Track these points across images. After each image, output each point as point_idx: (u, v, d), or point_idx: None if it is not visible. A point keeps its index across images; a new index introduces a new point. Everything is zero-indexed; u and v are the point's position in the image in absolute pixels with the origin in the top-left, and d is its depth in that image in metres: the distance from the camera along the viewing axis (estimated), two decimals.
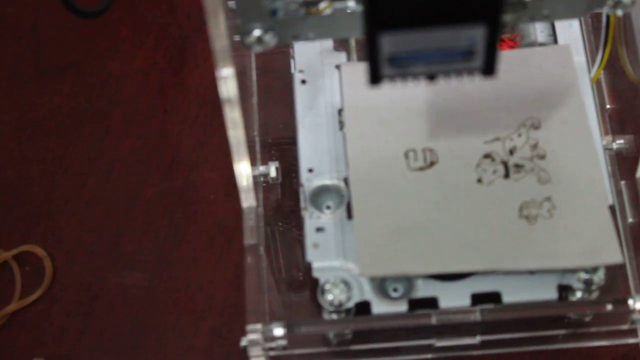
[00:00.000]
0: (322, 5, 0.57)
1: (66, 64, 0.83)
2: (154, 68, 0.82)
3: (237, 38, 0.58)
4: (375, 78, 0.51)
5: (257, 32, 0.57)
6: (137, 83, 0.82)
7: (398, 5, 0.47)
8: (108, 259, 0.75)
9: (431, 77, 0.52)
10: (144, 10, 0.84)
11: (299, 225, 0.66)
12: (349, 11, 0.57)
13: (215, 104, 0.59)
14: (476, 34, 0.49)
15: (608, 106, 0.70)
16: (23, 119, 0.81)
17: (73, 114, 0.81)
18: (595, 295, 0.62)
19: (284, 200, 0.72)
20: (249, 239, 0.65)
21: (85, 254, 0.76)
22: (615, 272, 0.64)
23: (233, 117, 0.59)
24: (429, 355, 0.66)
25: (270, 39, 0.57)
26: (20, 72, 0.82)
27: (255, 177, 0.67)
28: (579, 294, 0.62)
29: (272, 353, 0.63)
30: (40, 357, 0.72)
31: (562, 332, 0.64)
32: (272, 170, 0.70)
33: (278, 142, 0.74)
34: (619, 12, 0.57)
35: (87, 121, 0.80)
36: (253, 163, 0.67)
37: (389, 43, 0.49)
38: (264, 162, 0.70)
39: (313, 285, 0.63)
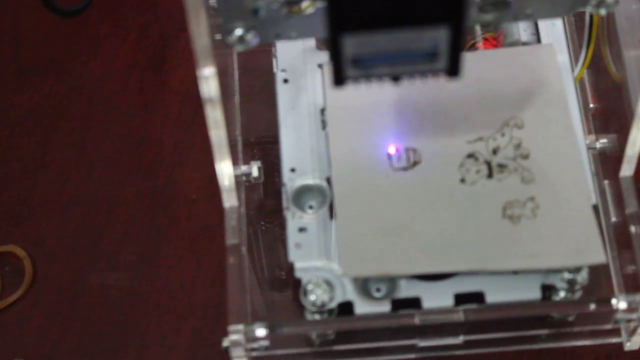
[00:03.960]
0: (304, 5, 0.56)
1: (46, 63, 0.82)
2: (135, 67, 0.82)
3: (218, 37, 0.57)
4: (339, 79, 0.51)
5: (238, 32, 0.56)
6: (118, 82, 0.81)
7: (360, 6, 0.47)
8: (89, 260, 0.75)
9: (395, 79, 0.52)
10: (125, 9, 0.84)
11: (281, 224, 0.65)
12: None
13: (196, 103, 0.58)
14: (439, 36, 0.49)
15: (591, 105, 0.70)
16: (2, 118, 0.80)
17: (53, 113, 0.80)
18: (578, 295, 0.62)
19: (267, 199, 0.72)
20: (231, 239, 0.64)
21: (66, 255, 0.75)
22: (598, 272, 0.64)
23: (214, 117, 0.58)
24: (412, 355, 0.66)
25: (252, 38, 0.57)
26: (0, 71, 0.82)
27: (237, 177, 0.67)
28: (562, 294, 0.62)
29: (254, 354, 0.63)
30: (20, 358, 0.72)
31: (545, 331, 0.64)
32: (254, 169, 0.70)
33: (260, 141, 0.74)
34: (602, 12, 0.57)
35: (67, 120, 0.80)
36: (235, 163, 0.66)
37: (352, 44, 0.49)
38: (246, 162, 0.70)
39: (296, 285, 0.63)
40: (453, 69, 0.51)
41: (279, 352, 0.64)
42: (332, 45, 0.49)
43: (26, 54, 0.82)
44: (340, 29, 0.48)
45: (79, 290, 0.74)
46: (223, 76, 0.68)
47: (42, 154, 0.79)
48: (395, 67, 0.51)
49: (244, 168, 0.70)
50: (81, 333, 0.73)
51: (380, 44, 0.49)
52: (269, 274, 0.71)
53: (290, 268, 0.64)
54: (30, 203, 0.77)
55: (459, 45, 0.50)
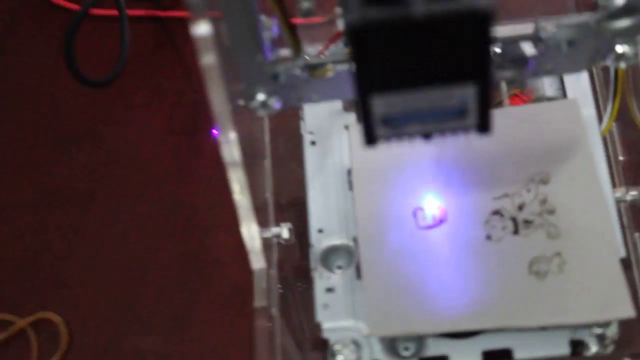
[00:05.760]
0: (324, 69, 0.57)
1: (83, 132, 0.83)
2: (170, 133, 0.83)
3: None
4: (370, 139, 0.51)
5: (261, 97, 0.57)
6: (152, 148, 0.82)
7: (388, 67, 0.47)
8: (124, 324, 0.75)
9: (426, 136, 0.52)
10: (159, 76, 0.85)
11: None
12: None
13: None
14: (467, 93, 0.49)
15: (621, 158, 0.70)
16: (40, 187, 0.81)
17: (89, 180, 0.81)
18: (610, 349, 0.61)
19: (303, 260, 0.72)
20: (259, 301, 0.64)
21: (101, 319, 0.76)
22: (632, 325, 0.63)
23: (238, 180, 0.59)
24: None
25: (275, 103, 0.57)
26: (38, 140, 0.83)
27: (268, 239, 0.67)
28: (594, 349, 0.61)
29: None
30: None
31: None
32: (285, 231, 0.70)
33: (294, 202, 0.74)
34: (622, 65, 0.57)
35: (103, 187, 0.81)
36: (266, 224, 0.67)
37: (381, 104, 0.49)
38: (279, 223, 0.70)
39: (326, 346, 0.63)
40: (483, 125, 0.51)
41: None
42: (362, 106, 0.49)
43: (63, 124, 0.84)
44: (369, 90, 0.48)
45: (114, 355, 0.74)
46: (253, 139, 0.69)
47: (78, 220, 0.79)
48: (426, 124, 0.51)
49: (274, 230, 0.70)
50: None
51: (409, 103, 0.49)
52: (309, 335, 0.71)
53: None
54: (66, 269, 0.78)
55: (487, 101, 0.49)
